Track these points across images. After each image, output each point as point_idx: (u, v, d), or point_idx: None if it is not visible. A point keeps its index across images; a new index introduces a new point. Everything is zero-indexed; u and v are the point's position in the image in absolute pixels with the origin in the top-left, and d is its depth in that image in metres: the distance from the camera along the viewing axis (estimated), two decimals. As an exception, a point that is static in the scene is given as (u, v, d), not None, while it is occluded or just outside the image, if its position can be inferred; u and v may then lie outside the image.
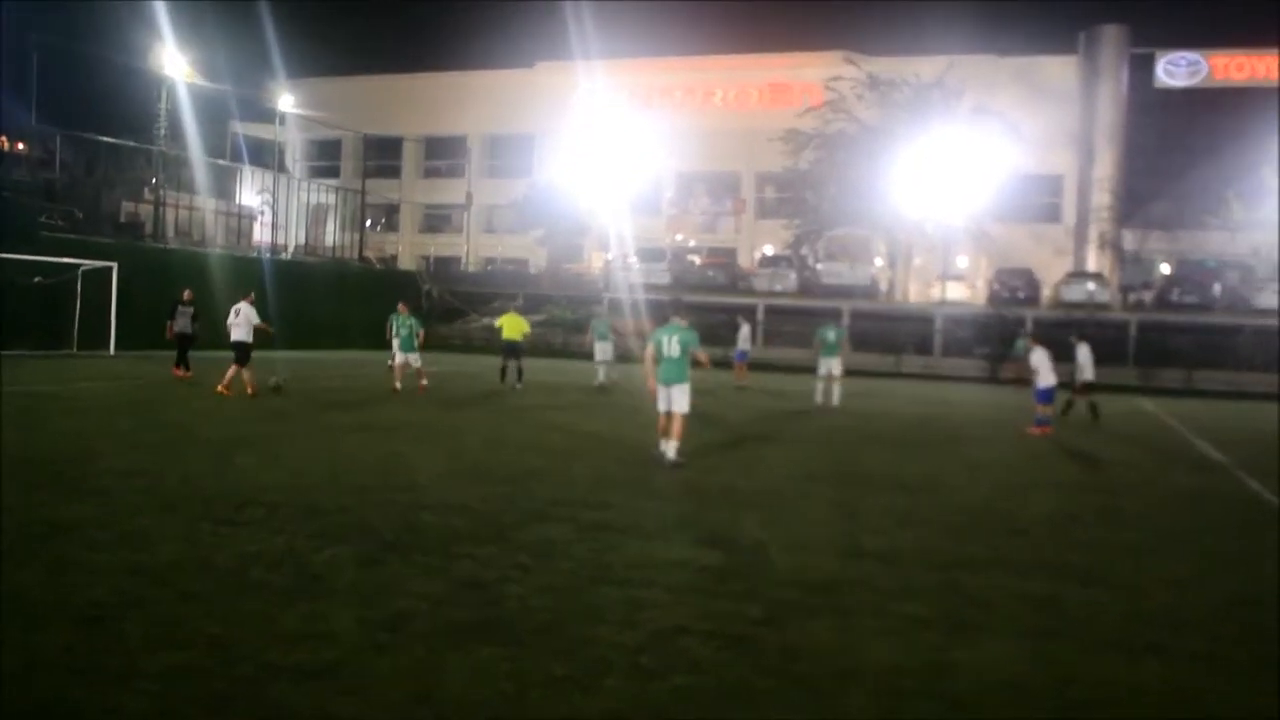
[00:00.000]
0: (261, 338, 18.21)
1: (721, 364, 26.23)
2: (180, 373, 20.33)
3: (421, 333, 20.07)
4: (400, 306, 20.44)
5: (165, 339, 20.82)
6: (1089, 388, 19.64)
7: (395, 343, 19.96)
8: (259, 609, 5.35)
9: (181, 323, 20.59)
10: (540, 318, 42.42)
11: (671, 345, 11.28)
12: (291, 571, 6.11)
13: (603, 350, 23.21)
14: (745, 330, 28.39)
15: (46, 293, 25.86)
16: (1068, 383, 18.98)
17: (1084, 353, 19.51)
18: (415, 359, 19.73)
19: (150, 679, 4.34)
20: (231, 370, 17.33)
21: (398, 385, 19.48)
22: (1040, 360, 17.48)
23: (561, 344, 39.72)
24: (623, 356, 24.62)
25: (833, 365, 19.96)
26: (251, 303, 17.89)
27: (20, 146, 33.36)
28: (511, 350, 22.04)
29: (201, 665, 4.53)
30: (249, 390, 17.05)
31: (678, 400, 11.28)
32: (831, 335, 20.27)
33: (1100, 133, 51.89)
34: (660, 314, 12.20)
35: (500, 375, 22.02)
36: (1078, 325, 28.40)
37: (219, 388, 17.03)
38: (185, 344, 20.68)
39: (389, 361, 20.81)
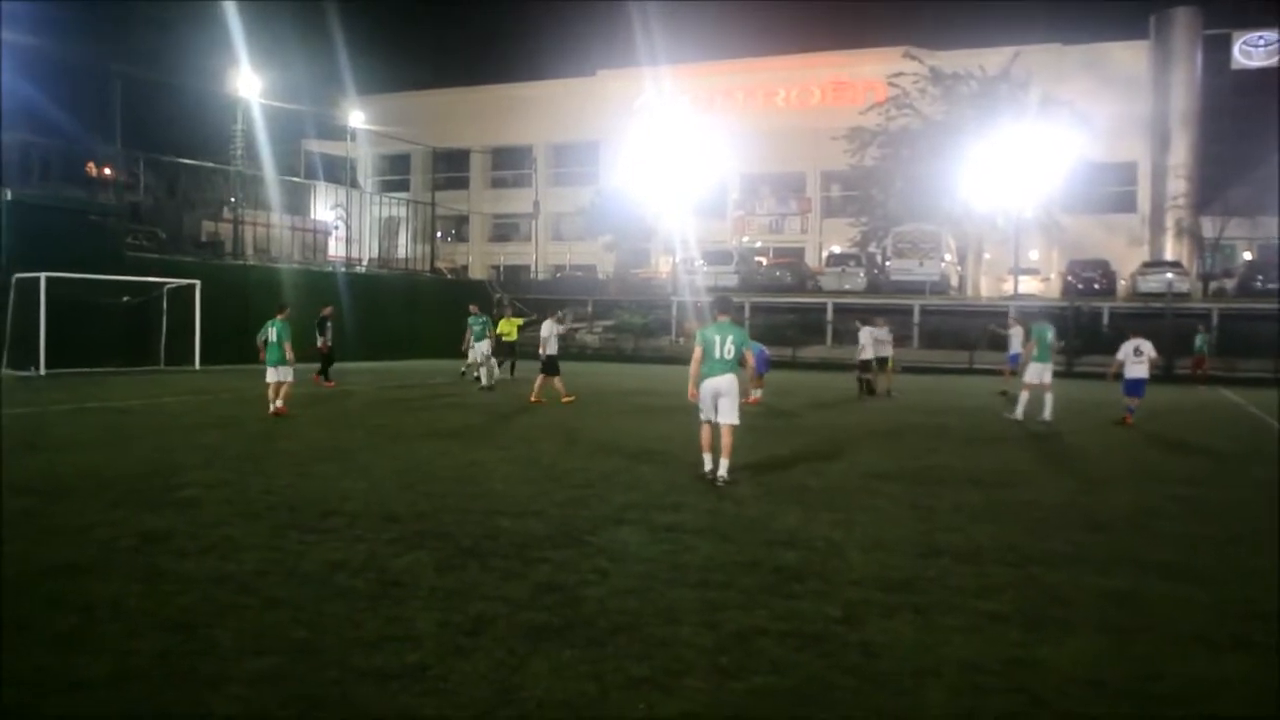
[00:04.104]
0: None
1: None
2: (330, 384, 22.11)
3: (288, 344, 16.06)
4: (280, 311, 16.52)
5: (318, 351, 22.70)
6: (866, 366, 22.24)
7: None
8: (343, 614, 5.48)
9: (325, 337, 22.80)
10: (610, 323, 42.70)
11: (726, 347, 9.87)
12: (374, 577, 6.24)
13: (481, 350, 23.18)
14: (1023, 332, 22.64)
15: (134, 311, 26.77)
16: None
17: (864, 335, 22.17)
18: (287, 373, 16.02)
19: (239, 683, 4.48)
20: (539, 380, 19.33)
21: (274, 407, 15.86)
22: (1126, 351, 17.12)
23: (633, 349, 39.87)
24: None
25: (1044, 372, 17.32)
26: (558, 320, 20.57)
27: (106, 172, 34.38)
28: (509, 349, 25.18)
29: (289, 669, 4.66)
30: (562, 399, 18.85)
31: (726, 411, 9.92)
32: (1050, 335, 17.60)
33: (1174, 118, 50.62)
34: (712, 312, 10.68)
35: (509, 371, 24.96)
36: (1151, 315, 27.70)
37: (531, 398, 18.89)
38: (331, 356, 22.87)
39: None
